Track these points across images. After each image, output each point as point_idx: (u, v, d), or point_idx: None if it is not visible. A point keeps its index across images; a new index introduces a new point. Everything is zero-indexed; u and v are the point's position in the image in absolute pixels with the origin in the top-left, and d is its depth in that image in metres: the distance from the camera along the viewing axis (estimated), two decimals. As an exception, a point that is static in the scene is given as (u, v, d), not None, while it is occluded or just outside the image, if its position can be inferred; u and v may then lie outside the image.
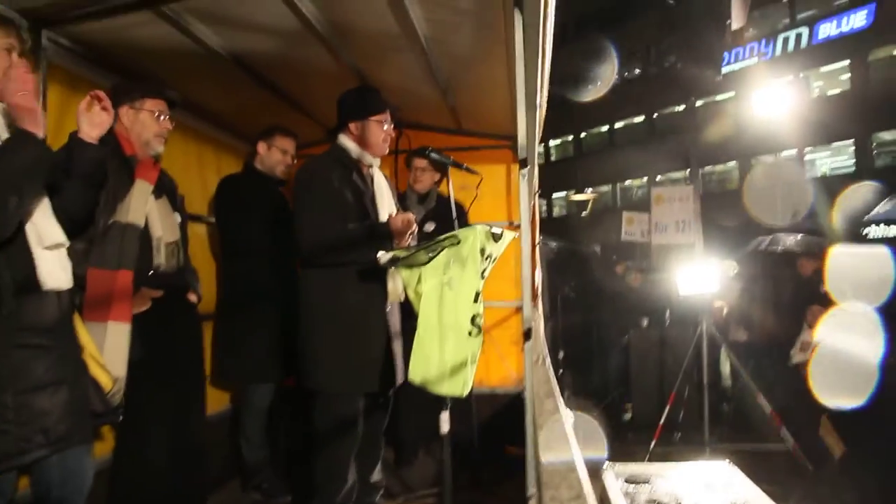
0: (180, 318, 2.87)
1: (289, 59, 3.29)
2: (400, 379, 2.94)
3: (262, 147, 3.77)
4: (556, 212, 32.72)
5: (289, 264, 3.55)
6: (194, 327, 3.02)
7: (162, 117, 2.79)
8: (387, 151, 3.06)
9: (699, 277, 6.34)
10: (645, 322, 7.75)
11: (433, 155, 3.07)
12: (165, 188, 2.85)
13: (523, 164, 2.34)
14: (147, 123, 2.76)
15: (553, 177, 29.16)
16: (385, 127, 3.01)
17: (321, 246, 2.79)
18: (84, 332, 2.31)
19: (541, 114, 3.50)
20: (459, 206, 3.21)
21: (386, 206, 3.02)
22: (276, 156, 3.75)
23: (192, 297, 2.95)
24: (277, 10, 2.75)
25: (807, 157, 22.16)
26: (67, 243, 2.17)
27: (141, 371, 2.54)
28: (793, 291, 6.50)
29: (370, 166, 3.04)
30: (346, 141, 3.02)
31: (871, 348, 4.56)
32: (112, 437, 2.91)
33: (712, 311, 6.66)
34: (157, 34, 2.85)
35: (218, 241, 3.89)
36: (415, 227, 2.90)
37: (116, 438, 2.84)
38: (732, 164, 24.74)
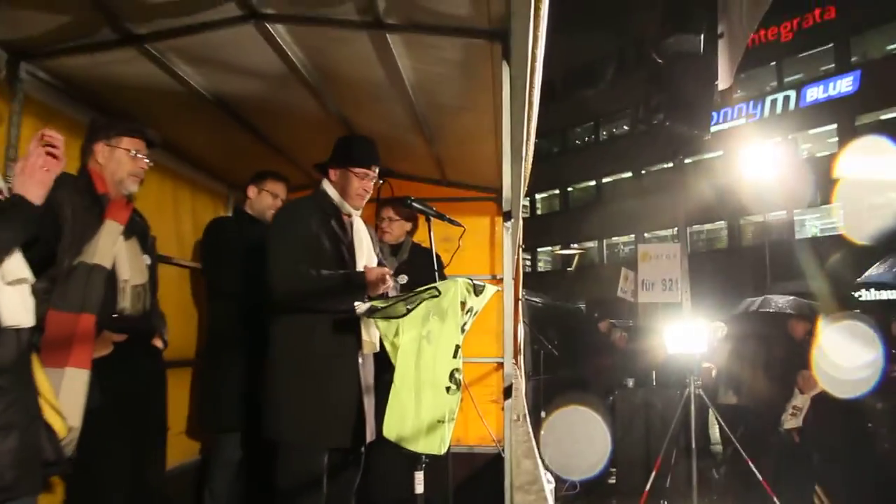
0: (144, 365, 2.82)
1: (273, 103, 3.35)
2: (371, 435, 2.90)
3: (252, 191, 3.83)
4: (541, 266, 32.92)
5: None
6: (158, 375, 2.97)
7: (138, 156, 2.80)
8: (362, 206, 3.11)
9: (687, 337, 6.39)
10: (630, 382, 7.73)
11: (414, 205, 3.10)
12: (136, 229, 2.84)
13: (507, 216, 2.39)
14: (122, 162, 2.76)
15: (538, 231, 29.44)
16: (364, 181, 3.04)
17: (293, 290, 2.80)
18: (41, 374, 2.26)
19: (527, 166, 3.57)
20: (437, 259, 3.23)
21: (364, 255, 3.04)
22: (266, 200, 3.81)
23: (158, 343, 2.91)
24: (264, 53, 2.82)
25: (796, 218, 22.67)
26: (32, 280, 2.15)
27: (98, 420, 2.48)
28: (784, 354, 6.54)
29: (350, 215, 3.08)
30: (328, 186, 3.07)
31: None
32: (62, 489, 2.83)
33: (700, 372, 6.68)
34: (140, 72, 2.90)
35: (199, 285, 3.87)
36: (390, 282, 2.91)
37: (67, 491, 2.75)
38: (721, 223, 25.22)
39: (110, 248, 2.65)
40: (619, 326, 9.00)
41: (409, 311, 2.49)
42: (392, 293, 2.92)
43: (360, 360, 2.89)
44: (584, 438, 7.08)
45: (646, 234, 26.58)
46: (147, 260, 2.86)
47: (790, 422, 6.07)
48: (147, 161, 2.84)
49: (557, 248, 29.98)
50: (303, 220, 2.90)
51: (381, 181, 3.15)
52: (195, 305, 4.12)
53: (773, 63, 23.60)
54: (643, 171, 27.18)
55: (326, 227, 2.95)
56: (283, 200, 3.85)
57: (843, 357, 5.49)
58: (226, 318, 3.60)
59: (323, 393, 2.81)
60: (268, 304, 2.92)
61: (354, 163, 3.03)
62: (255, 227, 3.74)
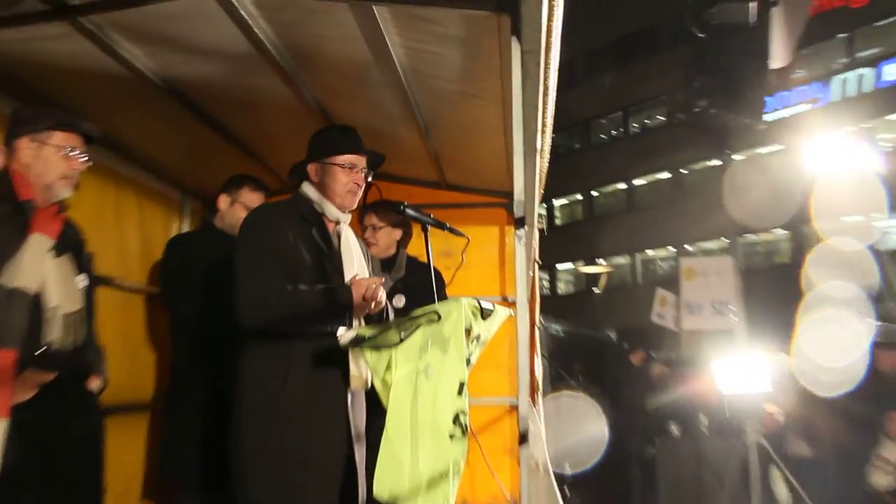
0: (75, 411, 2.82)
1: (237, 90, 3.40)
2: (363, 493, 2.91)
3: (223, 201, 3.87)
4: (561, 288, 32.90)
5: None
6: (93, 423, 2.97)
7: (72, 155, 2.78)
8: (354, 205, 3.09)
9: (744, 373, 6.36)
10: (675, 430, 7.71)
11: (409, 212, 3.14)
12: (69, 244, 2.84)
13: (520, 223, 2.42)
14: (52, 161, 2.74)
15: (557, 245, 29.44)
16: (351, 172, 3.03)
17: (264, 312, 2.79)
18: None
19: (542, 164, 3.62)
20: (437, 275, 3.25)
21: (355, 272, 3.02)
22: (239, 213, 3.75)
23: (94, 384, 2.91)
24: (225, 31, 2.86)
25: (875, 225, 22.67)
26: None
27: (16, 479, 2.46)
28: (870, 392, 6.46)
29: (337, 222, 3.07)
30: (308, 189, 3.07)
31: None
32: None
33: (763, 417, 6.65)
34: (75, 52, 2.94)
35: (153, 312, 3.94)
36: (382, 299, 2.89)
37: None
38: (782, 232, 25.25)
39: (37, 267, 2.64)
40: (659, 359, 9.00)
41: (403, 339, 2.50)
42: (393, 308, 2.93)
43: (348, 400, 2.86)
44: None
45: (688, 247, 26.57)
46: (82, 282, 2.86)
47: (880, 478, 5.91)
48: (83, 160, 2.83)
49: (581, 265, 29.97)
50: (276, 229, 2.90)
51: (368, 184, 3.14)
52: (148, 337, 4.16)
53: (844, 34, 23.65)
54: (683, 171, 27.24)
55: (306, 238, 2.94)
56: None
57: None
58: (189, 353, 3.65)
59: (303, 443, 2.78)
60: (237, 334, 2.93)
61: (336, 150, 3.04)
62: (224, 244, 3.75)
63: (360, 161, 3.07)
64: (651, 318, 8.96)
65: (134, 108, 3.48)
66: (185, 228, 4.62)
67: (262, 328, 2.83)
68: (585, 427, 7.19)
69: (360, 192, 3.08)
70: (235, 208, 3.83)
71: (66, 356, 2.74)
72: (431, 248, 3.12)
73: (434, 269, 3.11)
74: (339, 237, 3.07)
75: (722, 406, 7.11)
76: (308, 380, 2.82)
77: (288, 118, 3.76)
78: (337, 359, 2.78)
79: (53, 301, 2.70)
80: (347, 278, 2.97)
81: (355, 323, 2.90)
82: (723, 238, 20.96)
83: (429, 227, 3.11)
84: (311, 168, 3.06)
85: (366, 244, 3.98)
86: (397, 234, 4.07)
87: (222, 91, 3.41)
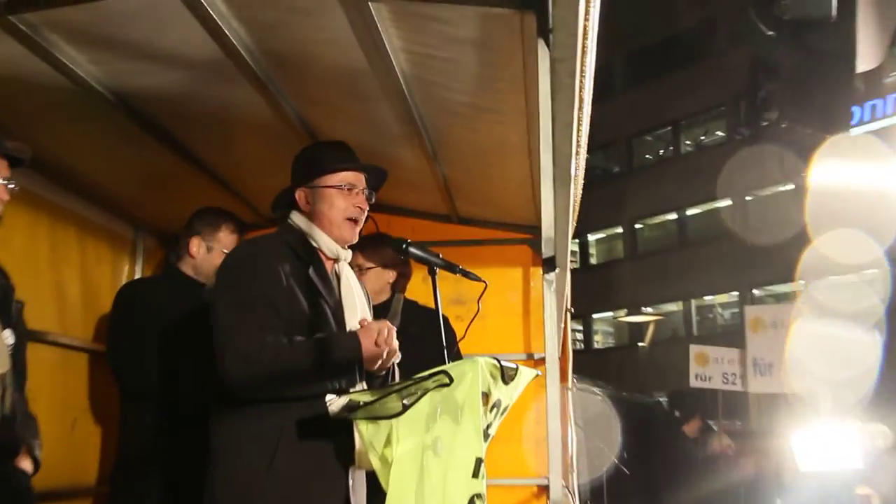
0: (3, 497, 2.83)
1: (203, 104, 3.45)
2: None
3: (196, 245, 3.85)
4: (598, 341, 32.78)
5: None
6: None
7: None
8: (355, 236, 3.08)
9: (830, 448, 6.32)
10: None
11: (413, 251, 3.13)
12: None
13: (550, 266, 2.42)
14: None
15: (593, 289, 29.38)
16: (350, 195, 3.02)
17: (257, 372, 2.74)
18: None
19: (576, 192, 3.64)
20: (447, 325, 3.24)
21: (353, 318, 3.01)
22: (216, 258, 3.75)
23: (25, 464, 2.91)
24: (189, 33, 2.90)
25: None
26: None
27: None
28: None
29: (336, 259, 3.07)
30: (298, 219, 3.06)
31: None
32: None
33: (854, 501, 6.58)
34: (2, 56, 2.96)
35: (98, 374, 3.95)
36: (395, 350, 2.86)
37: None
38: (873, 272, 25.09)
39: None
40: (723, 429, 8.94)
41: (406, 407, 2.50)
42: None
43: (349, 483, 2.84)
44: None
45: (756, 292, 26.48)
46: (9, 338, 2.87)
47: None
48: (9, 187, 2.84)
49: (622, 313, 29.84)
50: (266, 270, 2.87)
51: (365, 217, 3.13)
52: (91, 405, 4.16)
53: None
54: (748, 198, 27.23)
55: (301, 279, 2.92)
56: None
57: None
58: (142, 424, 3.63)
59: None
60: (207, 400, 2.91)
61: (328, 168, 3.02)
62: (194, 293, 3.79)
63: (360, 180, 3.06)
64: (691, 383, 8.97)
65: (76, 125, 3.51)
66: (139, 272, 4.65)
67: (250, 392, 2.79)
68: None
69: (363, 219, 3.07)
70: (213, 255, 3.82)
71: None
72: (440, 296, 3.11)
73: (443, 316, 3.09)
74: (338, 278, 3.07)
75: (800, 487, 7.03)
76: (301, 456, 2.78)
77: (265, 138, 3.80)
78: (336, 431, 2.75)
79: None
80: (350, 327, 2.95)
81: (358, 386, 2.88)
82: (799, 281, 20.83)
83: (437, 270, 3.10)
84: (301, 194, 3.04)
85: None
86: (390, 275, 4.07)
87: (185, 106, 3.46)
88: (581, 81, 2.38)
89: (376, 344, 2.79)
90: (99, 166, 3.96)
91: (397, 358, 2.90)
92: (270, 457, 2.76)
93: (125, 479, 3.69)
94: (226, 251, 3.78)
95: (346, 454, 2.80)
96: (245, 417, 2.82)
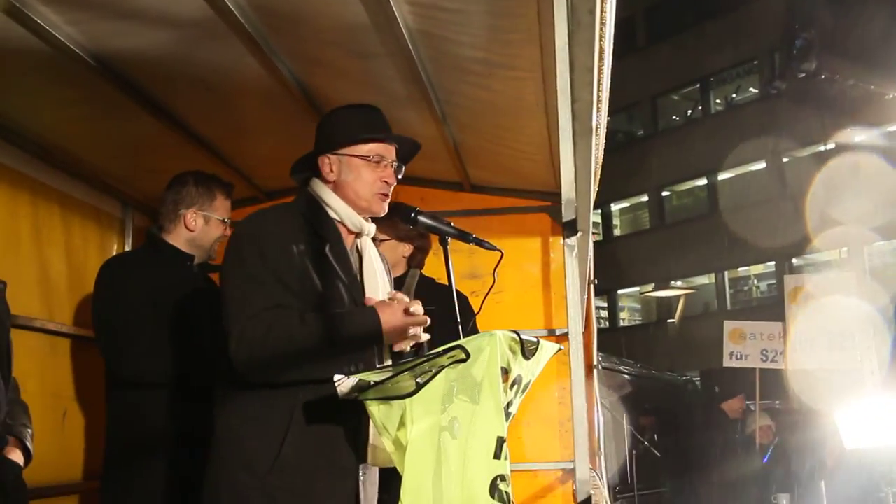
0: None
1: (192, 68, 3.44)
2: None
3: (192, 219, 3.80)
4: (624, 318, 32.78)
5: None
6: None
7: None
8: (384, 211, 3.07)
9: (875, 423, 6.32)
10: (784, 501, 7.66)
11: (422, 219, 3.12)
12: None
13: (571, 228, 2.42)
14: None
15: (618, 262, 29.35)
16: (378, 167, 3.00)
17: (267, 353, 2.73)
18: None
19: (598, 150, 3.63)
20: (462, 301, 3.24)
21: (375, 299, 3.00)
22: (216, 229, 3.80)
23: (16, 455, 2.94)
24: (177, -11, 2.91)
25: None
26: None
27: None
28: None
29: (359, 234, 3.06)
30: (320, 189, 3.03)
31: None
32: None
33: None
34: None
35: (89, 363, 3.95)
36: (420, 332, 2.87)
37: None
38: (923, 238, 24.99)
39: None
40: (763, 408, 8.95)
41: (420, 386, 2.50)
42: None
43: (360, 476, 2.85)
44: None
45: (794, 261, 26.41)
46: None
47: None
48: None
49: (649, 288, 29.82)
50: (276, 245, 2.85)
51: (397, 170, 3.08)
52: (80, 396, 4.19)
53: None
54: (785, 159, 27.11)
55: (315, 256, 2.90)
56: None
57: None
58: (134, 413, 3.63)
59: None
60: (207, 385, 2.90)
61: (360, 137, 3.00)
62: (182, 266, 3.78)
63: (390, 152, 3.04)
64: (724, 363, 8.97)
65: (56, 94, 3.51)
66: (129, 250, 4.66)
67: (260, 376, 2.78)
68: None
69: (390, 193, 3.06)
70: (212, 225, 3.82)
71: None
72: (454, 268, 3.11)
73: (457, 292, 3.09)
74: (359, 256, 3.07)
75: (846, 467, 7.05)
76: (311, 447, 2.78)
77: (260, 103, 3.81)
78: (350, 418, 2.75)
79: None
80: None
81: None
82: (843, 248, 20.75)
83: (448, 240, 3.10)
84: (325, 162, 3.01)
85: None
86: (405, 248, 4.08)
87: (172, 69, 3.45)
88: (602, 21, 2.36)
89: (398, 324, 2.80)
90: (83, 138, 3.97)
91: (427, 336, 2.90)
92: (277, 448, 2.76)
93: (117, 470, 3.64)
94: (222, 219, 3.82)
95: (358, 449, 2.81)
96: (252, 403, 2.81)
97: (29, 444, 3.00)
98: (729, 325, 9.27)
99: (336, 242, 2.98)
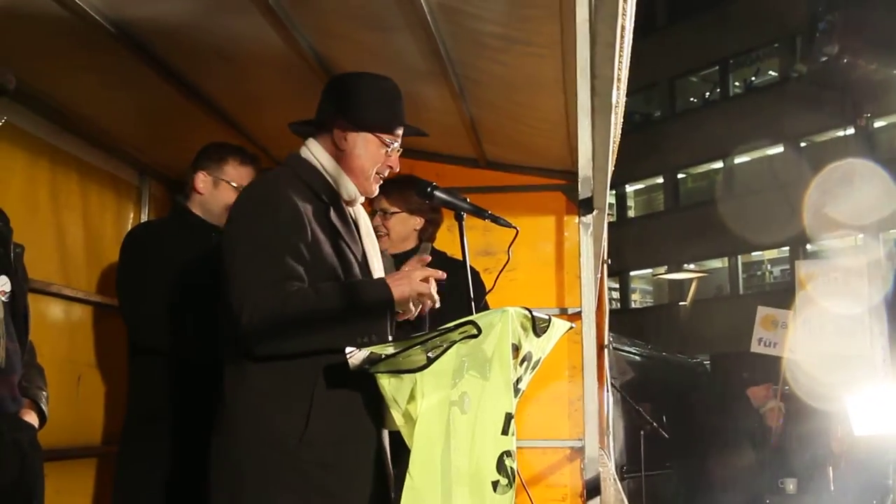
0: (6, 454, 2.84)
1: (211, 37, 3.44)
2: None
3: (203, 182, 3.83)
4: (637, 300, 32.75)
5: None
6: (30, 471, 3.02)
7: None
8: (374, 192, 3.08)
9: (885, 409, 6.31)
10: (791, 486, 7.68)
11: (439, 194, 3.11)
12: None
13: (587, 206, 2.42)
14: None
15: (631, 244, 29.25)
16: (388, 154, 3.00)
17: (279, 326, 2.69)
18: None
19: (616, 129, 3.62)
20: (474, 276, 3.24)
21: (377, 267, 3.03)
22: (226, 195, 3.78)
23: (31, 417, 2.95)
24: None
25: None
26: None
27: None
28: None
29: (351, 202, 3.04)
30: (320, 154, 2.99)
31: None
32: None
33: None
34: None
35: (106, 329, 4.02)
36: (435, 296, 2.84)
37: None
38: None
39: None
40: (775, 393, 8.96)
41: (430, 360, 2.51)
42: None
43: (385, 445, 2.85)
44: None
45: (808, 247, 26.30)
46: (6, 284, 2.86)
47: None
48: None
49: (662, 270, 29.79)
50: (287, 209, 2.78)
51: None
52: (97, 361, 4.23)
53: None
54: (803, 143, 26.95)
55: (324, 222, 2.86)
56: None
57: None
58: (155, 384, 3.66)
59: None
60: (226, 356, 2.86)
61: (386, 121, 2.98)
62: (207, 237, 3.77)
63: (399, 138, 3.04)
64: (752, 348, 8.95)
65: (75, 61, 3.51)
66: (146, 219, 4.68)
67: (273, 349, 2.73)
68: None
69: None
70: (221, 190, 3.82)
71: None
72: (468, 244, 3.11)
73: (471, 268, 3.09)
74: (356, 225, 3.05)
75: (854, 454, 7.05)
76: (334, 419, 2.74)
77: (277, 74, 3.81)
78: (368, 386, 2.69)
79: None
80: (374, 273, 2.96)
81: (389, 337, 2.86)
82: (859, 235, 20.66)
83: (464, 216, 3.09)
84: (340, 132, 2.96)
85: (379, 233, 3.98)
86: (416, 222, 4.04)
87: (192, 39, 3.46)
88: (623, 2, 2.35)
89: (410, 290, 2.78)
90: (101, 106, 3.98)
91: (435, 304, 2.88)
92: (304, 421, 2.71)
93: (136, 438, 3.70)
94: (234, 184, 3.80)
95: (380, 414, 2.78)
96: (271, 378, 2.75)
97: (44, 407, 3.00)
98: (762, 311, 9.22)
99: (339, 209, 2.96)
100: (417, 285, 2.78)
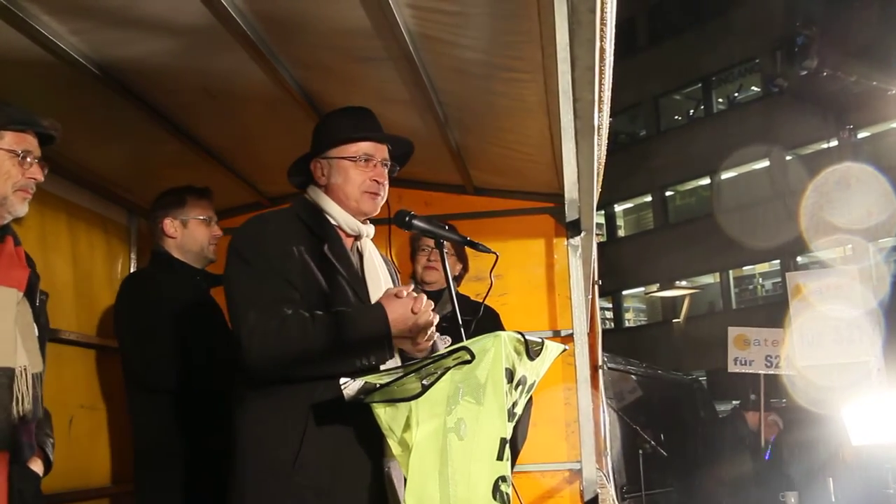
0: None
1: (196, 75, 3.46)
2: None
3: (170, 225, 3.90)
4: (629, 319, 32.73)
5: None
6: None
7: (28, 160, 2.80)
8: (375, 209, 3.08)
9: (882, 419, 6.31)
10: (792, 500, 7.66)
11: (416, 223, 3.09)
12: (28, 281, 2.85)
13: (574, 228, 2.43)
14: (3, 169, 2.74)
15: (622, 263, 29.28)
16: (367, 167, 3.02)
17: (279, 350, 2.74)
18: None
19: (600, 150, 3.64)
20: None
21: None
22: (197, 230, 3.91)
23: (36, 465, 2.93)
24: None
25: None
26: None
27: None
28: None
29: (357, 237, 3.09)
30: (314, 193, 3.07)
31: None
32: None
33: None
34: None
35: (106, 369, 4.04)
36: (434, 332, 2.88)
37: None
38: (928, 234, 24.92)
39: (9, 337, 2.65)
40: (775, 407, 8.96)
41: (425, 387, 2.51)
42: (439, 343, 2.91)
43: (385, 470, 2.85)
44: None
45: (799, 259, 26.36)
46: (35, 329, 2.86)
47: None
48: (40, 167, 2.86)
49: (654, 288, 29.78)
50: (280, 245, 2.88)
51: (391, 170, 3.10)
52: (89, 403, 4.21)
53: None
54: (788, 157, 27.07)
55: (316, 256, 2.93)
56: (217, 222, 3.97)
57: None
58: (161, 418, 3.71)
59: None
60: (227, 388, 2.93)
61: (344, 138, 3.02)
62: (191, 278, 3.90)
63: (380, 151, 3.06)
64: (729, 368, 8.98)
65: (59, 103, 3.51)
66: (135, 258, 4.70)
67: (272, 371, 2.79)
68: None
69: (384, 193, 3.07)
70: (191, 228, 3.92)
71: (17, 430, 2.73)
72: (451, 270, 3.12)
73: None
74: (360, 256, 3.08)
75: (855, 465, 7.05)
76: (331, 444, 2.79)
77: (263, 110, 3.83)
78: (366, 408, 2.69)
79: (21, 360, 2.70)
80: None
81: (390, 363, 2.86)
82: (848, 246, 20.72)
83: (444, 243, 3.10)
84: (316, 166, 3.05)
85: (424, 271, 4.11)
86: (457, 268, 4.22)
87: (176, 78, 3.47)
88: (602, 16, 2.37)
89: (413, 311, 2.79)
90: (87, 147, 3.98)
91: (437, 337, 2.91)
92: (298, 446, 2.76)
93: (151, 469, 3.74)
94: (202, 217, 3.92)
95: (380, 443, 2.76)
96: (269, 405, 2.83)
97: (50, 455, 2.98)
98: (733, 332, 9.26)
99: (334, 243, 3.00)
100: (419, 320, 2.80)
